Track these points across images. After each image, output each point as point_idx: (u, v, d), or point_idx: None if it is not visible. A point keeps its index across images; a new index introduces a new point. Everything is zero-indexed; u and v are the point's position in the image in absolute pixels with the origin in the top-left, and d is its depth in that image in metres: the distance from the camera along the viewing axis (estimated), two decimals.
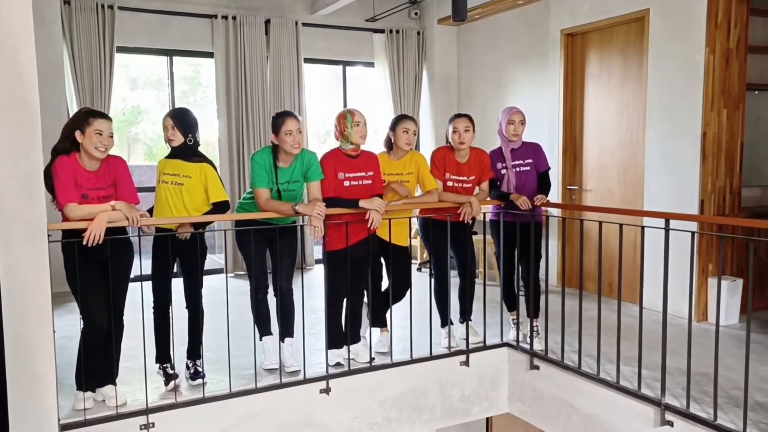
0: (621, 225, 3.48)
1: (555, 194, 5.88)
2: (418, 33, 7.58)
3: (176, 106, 6.75)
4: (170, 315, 3.55)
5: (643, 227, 3.37)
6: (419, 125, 7.63)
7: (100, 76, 6.03)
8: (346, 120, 3.65)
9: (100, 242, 3.04)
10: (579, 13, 5.55)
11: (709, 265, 4.75)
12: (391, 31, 7.39)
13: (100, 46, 6.02)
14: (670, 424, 3.21)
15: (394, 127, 3.95)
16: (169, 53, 6.55)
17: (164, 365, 3.60)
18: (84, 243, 3.02)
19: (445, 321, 4.18)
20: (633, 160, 5.25)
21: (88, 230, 3.01)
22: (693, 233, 3.11)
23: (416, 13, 7.51)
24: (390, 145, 4.02)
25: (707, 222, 4.33)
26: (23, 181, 2.87)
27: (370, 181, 3.75)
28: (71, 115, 3.18)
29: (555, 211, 5.88)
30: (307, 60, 7.05)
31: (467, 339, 4.12)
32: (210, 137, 6.87)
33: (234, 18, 6.59)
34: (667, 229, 3.20)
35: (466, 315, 4.17)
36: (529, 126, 6.19)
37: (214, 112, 6.68)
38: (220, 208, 3.53)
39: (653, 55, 4.95)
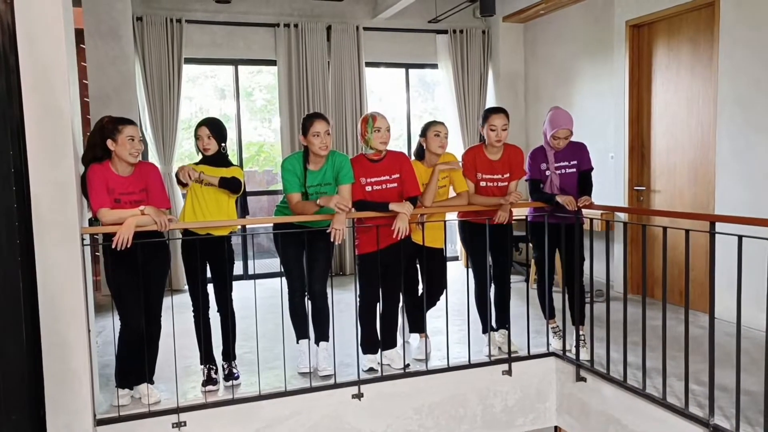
0: (687, 231, 3.10)
1: (621, 196, 5.55)
2: (483, 32, 7.40)
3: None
4: (209, 318, 3.64)
5: (713, 233, 2.95)
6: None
7: (169, 87, 6.32)
8: (367, 124, 3.61)
9: (128, 246, 3.15)
10: (645, 2, 5.20)
11: None
12: (454, 31, 7.26)
13: (169, 58, 6.31)
14: None
15: (424, 133, 3.87)
16: (235, 62, 6.77)
17: (210, 366, 3.69)
18: (113, 246, 3.14)
19: (486, 327, 4.03)
20: (704, 157, 4.84)
21: (117, 234, 3.13)
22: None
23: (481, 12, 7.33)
24: (421, 153, 3.92)
25: None
26: (58, 186, 3.03)
27: (395, 184, 3.66)
28: (94, 125, 3.30)
29: (622, 216, 5.55)
30: (368, 64, 7.06)
31: (509, 348, 3.95)
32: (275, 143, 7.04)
33: (296, 25, 6.71)
34: (740, 236, 2.83)
35: (503, 322, 3.99)
36: (595, 123, 5.92)
37: (277, 119, 6.82)
38: (226, 185, 3.55)
39: (725, 43, 4.55)
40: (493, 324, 4.08)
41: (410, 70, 7.45)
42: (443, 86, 7.38)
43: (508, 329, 4.03)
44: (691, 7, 4.82)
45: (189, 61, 6.52)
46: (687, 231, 3.09)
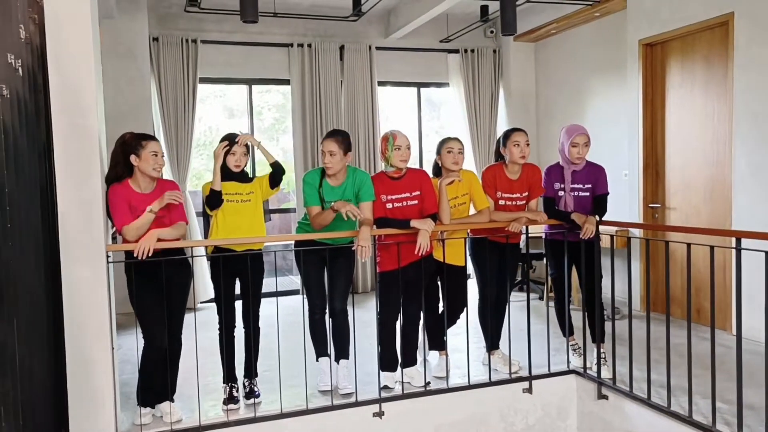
0: (712, 247, 3.07)
1: (636, 213, 5.55)
2: (494, 51, 7.46)
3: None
4: (233, 336, 3.65)
5: (739, 249, 2.95)
6: (496, 144, 7.47)
7: (185, 106, 6.38)
8: (388, 143, 3.64)
9: (149, 255, 3.16)
10: (657, 21, 5.25)
11: None
12: (466, 51, 7.32)
13: (185, 77, 6.38)
14: None
15: (438, 151, 3.90)
16: (249, 82, 6.84)
17: (232, 385, 3.68)
18: (134, 256, 3.15)
19: (488, 345, 4.05)
20: (720, 174, 4.85)
21: (139, 244, 3.14)
22: None
23: (492, 32, 7.41)
24: (438, 170, 3.95)
25: None
26: (84, 205, 3.06)
27: (416, 201, 3.68)
28: (116, 142, 3.32)
29: (637, 232, 5.55)
30: (381, 83, 7.12)
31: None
32: (289, 161, 7.10)
33: (309, 45, 6.78)
34: None
35: (496, 343, 4.05)
36: (608, 141, 5.95)
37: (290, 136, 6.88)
38: (276, 165, 3.65)
39: (739, 61, 4.58)
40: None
41: (422, 89, 7.51)
42: (454, 105, 7.42)
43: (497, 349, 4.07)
44: (705, 26, 4.87)
45: (204, 80, 6.59)
46: (712, 247, 3.07)
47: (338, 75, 6.90)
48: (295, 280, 7.36)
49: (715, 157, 4.91)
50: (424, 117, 7.56)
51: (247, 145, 3.60)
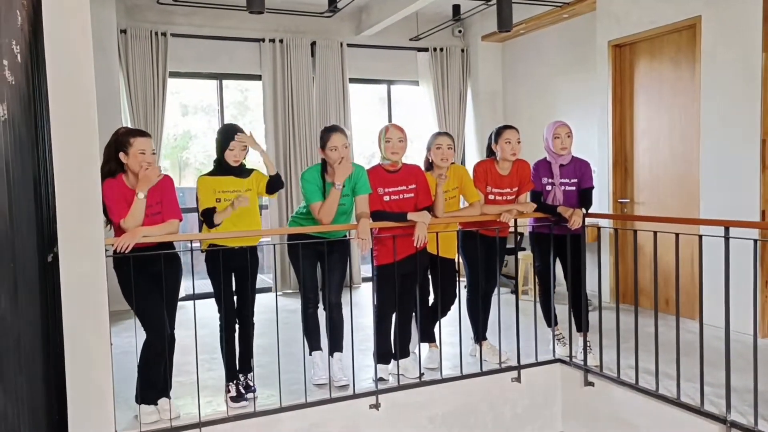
0: (677, 234, 3.35)
1: (606, 208, 5.76)
2: (462, 50, 7.59)
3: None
4: (234, 332, 3.63)
5: (701, 236, 3.25)
6: (463, 141, 7.61)
7: (154, 101, 6.24)
8: (380, 136, 3.69)
9: (126, 252, 3.11)
10: (627, 23, 5.47)
11: None
12: (435, 50, 7.42)
13: (154, 72, 6.24)
14: None
15: (429, 146, 3.97)
16: (219, 77, 6.74)
17: (237, 382, 3.61)
18: (114, 250, 3.10)
19: (477, 336, 4.15)
20: (687, 171, 5.10)
21: (120, 238, 3.10)
22: (755, 241, 2.99)
23: (460, 31, 7.53)
24: (429, 165, 4.01)
25: None
26: (82, 199, 2.97)
27: (412, 195, 3.74)
28: (110, 137, 3.25)
29: (606, 223, 5.75)
30: (352, 80, 7.14)
31: (518, 357, 4.04)
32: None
33: (281, 41, 6.74)
34: (727, 237, 3.07)
35: (482, 335, 4.15)
36: (578, 139, 6.12)
37: (261, 134, 6.82)
38: (276, 179, 3.62)
39: (706, 63, 4.82)
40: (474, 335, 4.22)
41: (392, 87, 7.57)
42: (424, 103, 7.51)
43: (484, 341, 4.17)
44: (673, 29, 5.10)
45: (174, 74, 6.46)
46: (677, 235, 3.34)
47: (310, 71, 6.89)
48: (266, 279, 7.29)
49: (682, 154, 5.15)
50: (395, 116, 7.62)
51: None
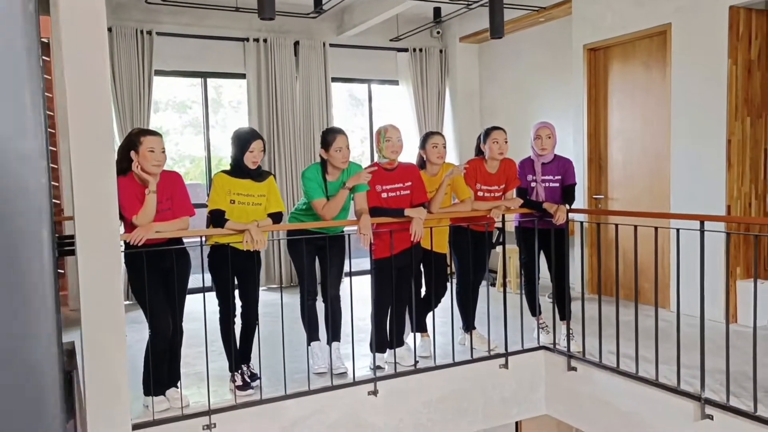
0: (656, 228, 3.63)
1: (581, 203, 6.04)
2: (441, 51, 7.81)
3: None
4: (234, 323, 3.76)
5: (678, 229, 3.53)
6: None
7: (140, 99, 6.29)
8: (380, 135, 3.88)
9: (138, 244, 3.24)
10: (601, 28, 5.75)
11: (737, 269, 4.88)
12: (414, 50, 7.63)
13: (139, 70, 6.29)
14: (710, 417, 3.35)
15: (423, 144, 4.16)
16: (204, 75, 6.83)
17: (243, 371, 3.73)
18: (128, 242, 3.24)
19: (467, 326, 4.37)
20: (659, 169, 5.41)
21: (135, 232, 3.23)
22: (728, 234, 3.27)
23: (438, 32, 7.75)
24: (423, 162, 4.21)
25: (739, 222, 4.47)
26: (100, 196, 3.07)
27: (408, 192, 3.94)
28: (124, 137, 3.36)
29: (581, 218, 6.03)
30: (334, 79, 7.30)
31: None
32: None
33: (265, 41, 6.85)
34: (702, 231, 3.35)
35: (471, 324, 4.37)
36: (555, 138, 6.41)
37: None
38: (276, 218, 3.70)
39: (676, 68, 5.13)
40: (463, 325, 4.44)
41: (372, 86, 7.75)
42: (404, 102, 7.72)
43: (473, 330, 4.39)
44: (645, 35, 5.40)
45: (159, 73, 6.52)
46: (656, 228, 3.64)
47: (293, 71, 7.02)
48: None
49: (654, 152, 5.47)
50: (375, 115, 7.80)
51: (264, 142, 3.66)
